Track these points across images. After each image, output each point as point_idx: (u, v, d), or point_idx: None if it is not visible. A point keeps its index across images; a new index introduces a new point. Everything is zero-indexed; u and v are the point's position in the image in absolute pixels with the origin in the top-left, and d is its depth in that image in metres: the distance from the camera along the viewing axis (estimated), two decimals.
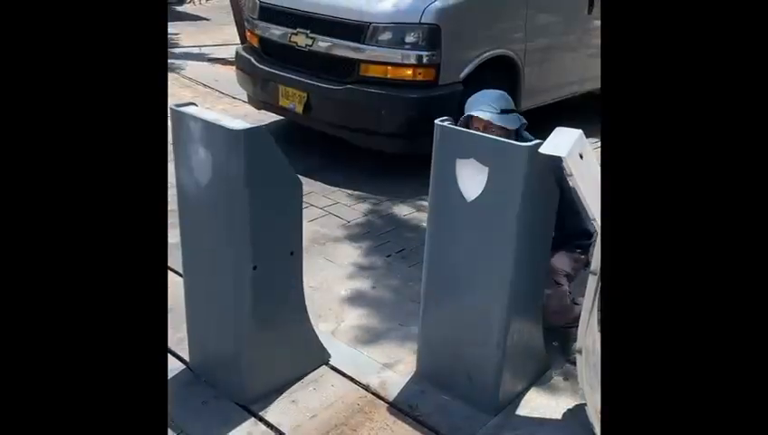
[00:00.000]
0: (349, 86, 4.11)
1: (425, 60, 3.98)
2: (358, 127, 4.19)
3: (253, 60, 4.65)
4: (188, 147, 2.10)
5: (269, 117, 5.04)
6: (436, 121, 2.20)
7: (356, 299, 2.98)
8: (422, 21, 3.94)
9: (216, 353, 2.34)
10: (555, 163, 2.02)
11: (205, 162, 2.07)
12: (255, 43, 4.74)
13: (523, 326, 2.32)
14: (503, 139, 2.15)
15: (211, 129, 2.02)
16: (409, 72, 4.01)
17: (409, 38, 3.96)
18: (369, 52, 4.03)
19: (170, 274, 2.97)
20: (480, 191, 2.12)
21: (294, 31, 4.34)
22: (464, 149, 2.14)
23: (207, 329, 2.34)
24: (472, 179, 2.13)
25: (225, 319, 2.24)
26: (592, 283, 2.05)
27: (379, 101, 4.02)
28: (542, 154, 1.99)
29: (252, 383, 2.27)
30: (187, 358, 2.47)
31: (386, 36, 4.00)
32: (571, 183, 2.02)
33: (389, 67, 4.02)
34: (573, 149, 2.01)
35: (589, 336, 2.15)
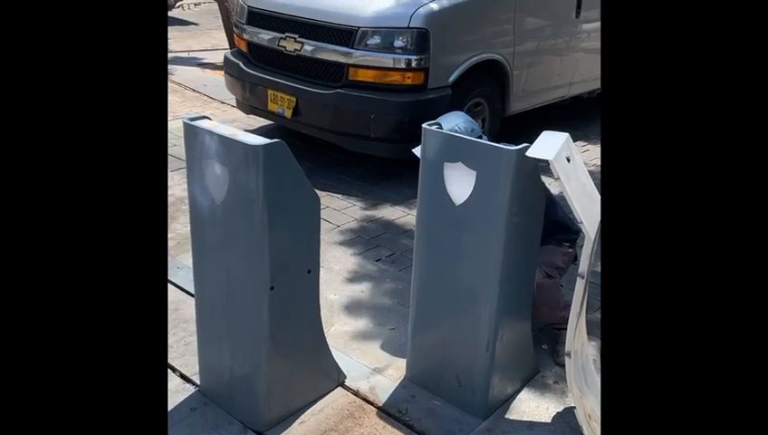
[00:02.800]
0: (338, 90, 4.11)
1: (414, 64, 3.99)
2: (347, 131, 4.19)
3: (241, 64, 4.64)
4: (203, 163, 2.02)
5: (258, 121, 5.04)
6: (425, 125, 2.20)
7: (346, 303, 2.97)
8: (411, 25, 3.94)
9: (231, 377, 2.23)
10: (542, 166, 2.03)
11: (220, 179, 1.98)
12: (244, 47, 4.73)
13: (513, 329, 2.32)
14: (490, 142, 2.15)
15: (227, 144, 1.93)
16: (398, 76, 4.01)
17: (398, 42, 3.97)
18: (357, 56, 4.03)
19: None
20: (468, 194, 2.12)
21: (283, 35, 4.33)
22: (452, 153, 2.14)
23: (221, 352, 2.23)
24: (460, 183, 2.13)
25: (240, 341, 2.16)
26: (580, 286, 2.05)
27: (368, 106, 4.02)
28: (530, 157, 2.00)
29: (269, 408, 2.18)
30: (176, 366, 2.46)
31: (374, 40, 4.00)
32: (557, 187, 2.03)
33: (378, 71, 4.03)
34: (560, 152, 2.01)
35: (578, 339, 2.15)
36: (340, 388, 2.40)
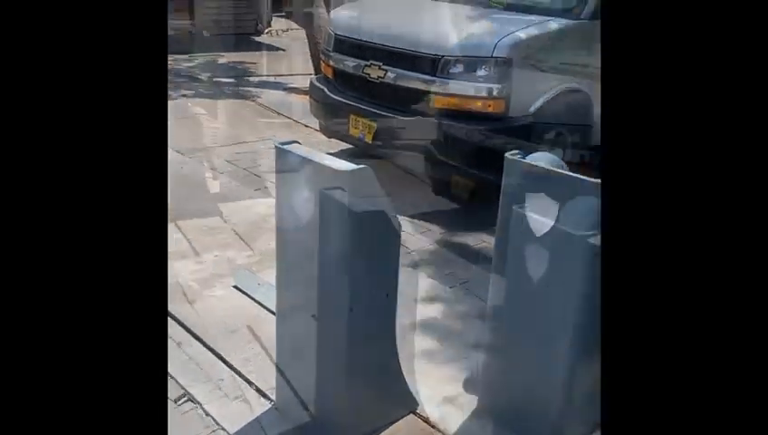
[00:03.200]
0: (418, 117, 4.15)
1: (495, 93, 3.99)
2: (426, 157, 4.22)
3: (325, 90, 4.78)
4: (291, 186, 2.11)
5: (339, 145, 5.16)
6: (507, 154, 2.20)
7: (419, 329, 2.97)
8: (494, 54, 3.96)
9: (305, 396, 2.27)
10: None
11: (307, 201, 2.06)
12: (329, 73, 4.87)
13: (590, 366, 2.25)
14: (574, 174, 2.12)
15: (315, 167, 2.02)
16: (479, 104, 4.03)
17: (481, 71, 3.99)
18: (439, 84, 4.08)
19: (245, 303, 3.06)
20: (550, 225, 2.09)
21: (367, 63, 4.44)
22: (534, 183, 2.13)
23: (297, 370, 2.28)
24: (541, 213, 2.11)
25: (317, 361, 2.19)
26: None
27: (448, 133, 4.05)
28: None
29: (341, 429, 2.21)
30: (253, 380, 2.53)
31: (457, 69, 4.03)
32: None
33: (459, 99, 4.05)
34: None
35: None
36: (410, 414, 2.40)
